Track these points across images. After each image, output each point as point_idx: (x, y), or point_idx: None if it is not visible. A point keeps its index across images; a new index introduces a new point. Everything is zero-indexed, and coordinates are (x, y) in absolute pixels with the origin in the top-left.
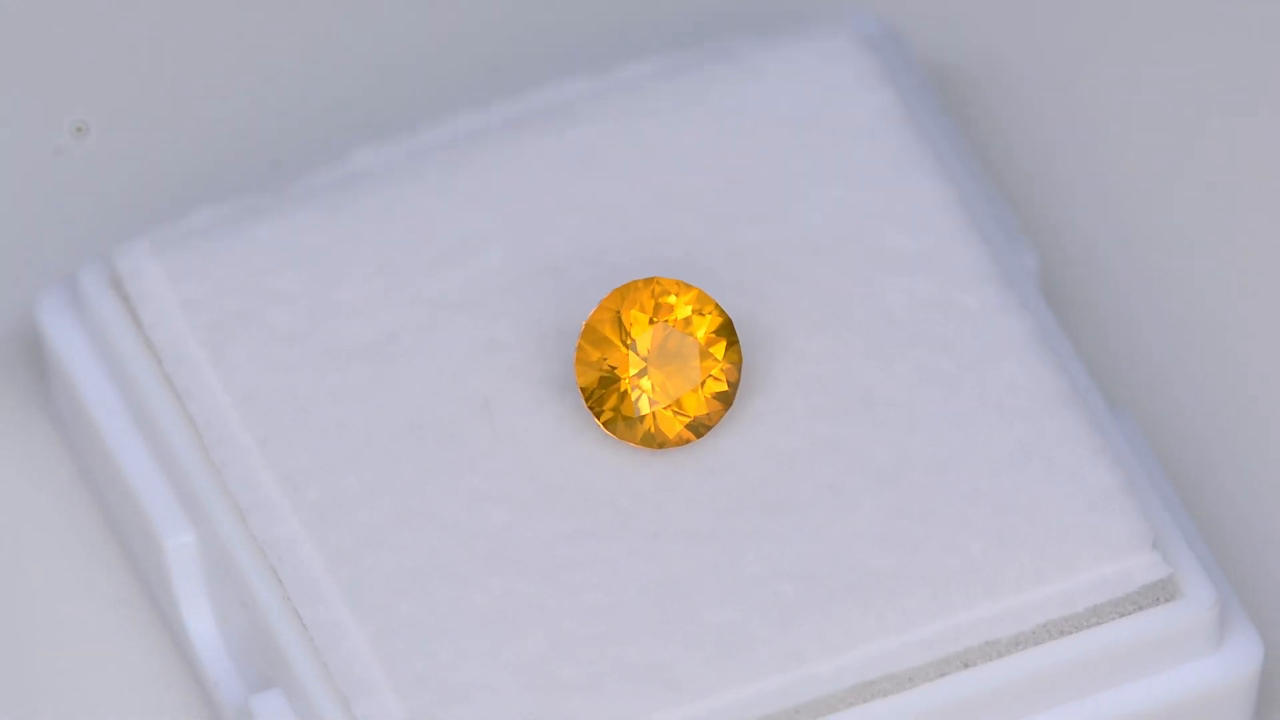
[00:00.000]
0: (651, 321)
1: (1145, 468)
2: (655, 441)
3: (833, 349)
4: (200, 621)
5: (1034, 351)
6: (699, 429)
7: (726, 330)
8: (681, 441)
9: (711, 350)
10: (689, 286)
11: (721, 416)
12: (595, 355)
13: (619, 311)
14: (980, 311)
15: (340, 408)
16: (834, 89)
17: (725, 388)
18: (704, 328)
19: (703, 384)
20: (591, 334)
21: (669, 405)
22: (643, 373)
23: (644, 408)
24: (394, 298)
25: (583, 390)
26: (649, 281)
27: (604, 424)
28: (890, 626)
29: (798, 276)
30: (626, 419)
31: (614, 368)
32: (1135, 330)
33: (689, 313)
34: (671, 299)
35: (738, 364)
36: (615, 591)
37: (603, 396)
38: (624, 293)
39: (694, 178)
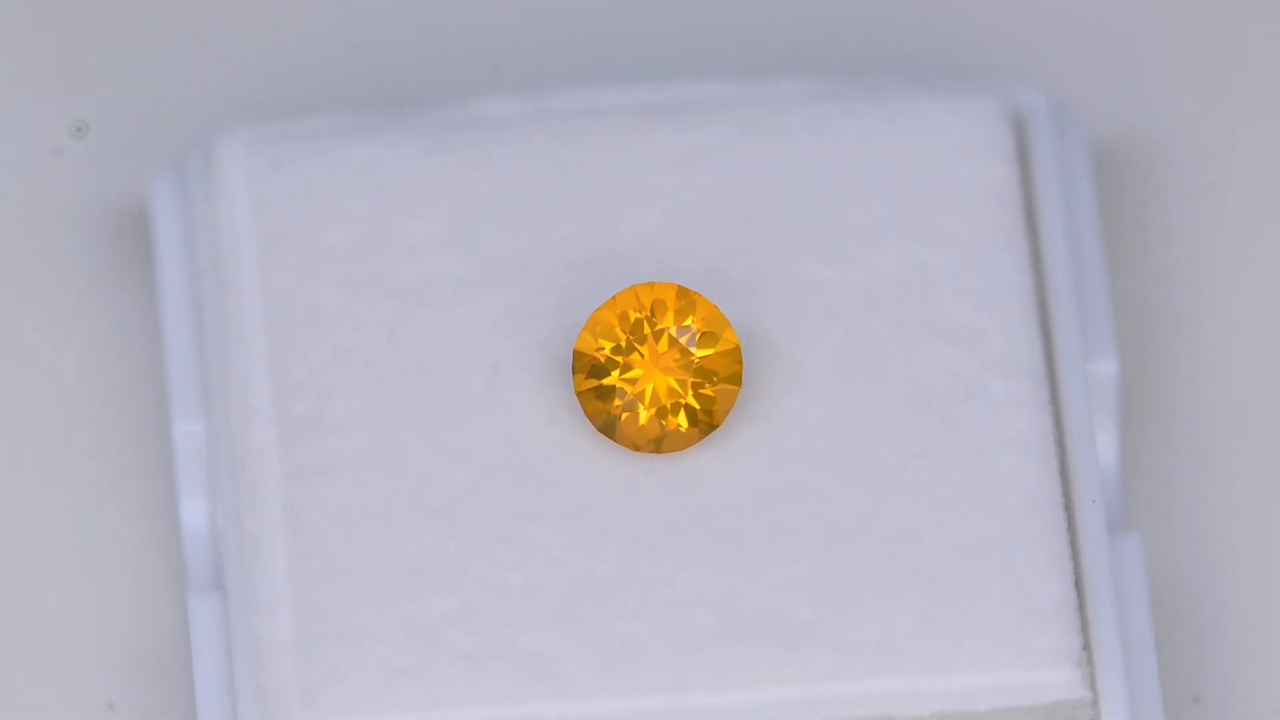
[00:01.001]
0: (654, 327)
1: (1121, 592)
2: (630, 443)
3: (848, 400)
4: (192, 513)
5: (1039, 452)
6: (675, 443)
7: (731, 356)
8: (657, 450)
9: (710, 369)
10: (708, 304)
11: (700, 437)
12: (593, 347)
13: (628, 310)
14: (1004, 400)
15: (357, 336)
16: (958, 152)
17: (712, 409)
18: (710, 348)
19: (688, 402)
20: (595, 326)
21: (653, 412)
22: (633, 375)
23: (625, 409)
24: (452, 246)
25: (576, 379)
26: (671, 287)
27: (589, 414)
28: (786, 678)
29: (844, 322)
30: (609, 416)
31: (608, 363)
32: (1212, 460)
33: (696, 327)
34: (682, 311)
35: (734, 390)
36: (538, 577)
37: (593, 390)
38: (640, 292)
39: (785, 202)
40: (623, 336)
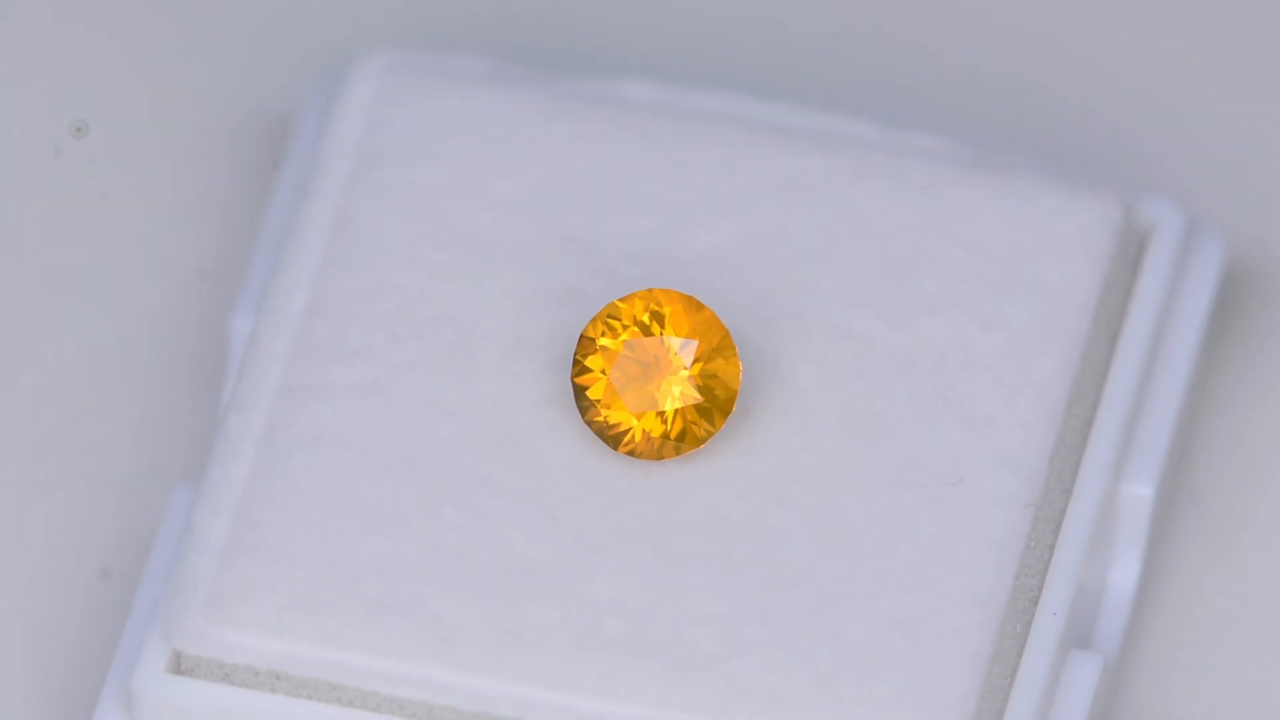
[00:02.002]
0: (650, 334)
1: (1057, 713)
2: (613, 444)
3: (840, 454)
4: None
5: (1002, 552)
6: (647, 453)
7: (726, 394)
8: (631, 454)
9: (703, 391)
10: (721, 328)
11: (675, 453)
12: (595, 341)
13: (635, 315)
14: (990, 494)
15: (402, 275)
16: (1049, 244)
17: (694, 429)
18: (714, 372)
19: (673, 417)
20: (597, 326)
21: (637, 417)
22: (623, 379)
23: (605, 409)
24: (529, 213)
25: (575, 365)
26: (685, 300)
27: (577, 403)
28: (670, 703)
29: (870, 378)
30: (595, 418)
31: (603, 365)
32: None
33: (692, 339)
34: (693, 327)
35: (721, 416)
36: (473, 546)
37: (585, 385)
38: (654, 297)
39: (864, 248)
40: (617, 339)
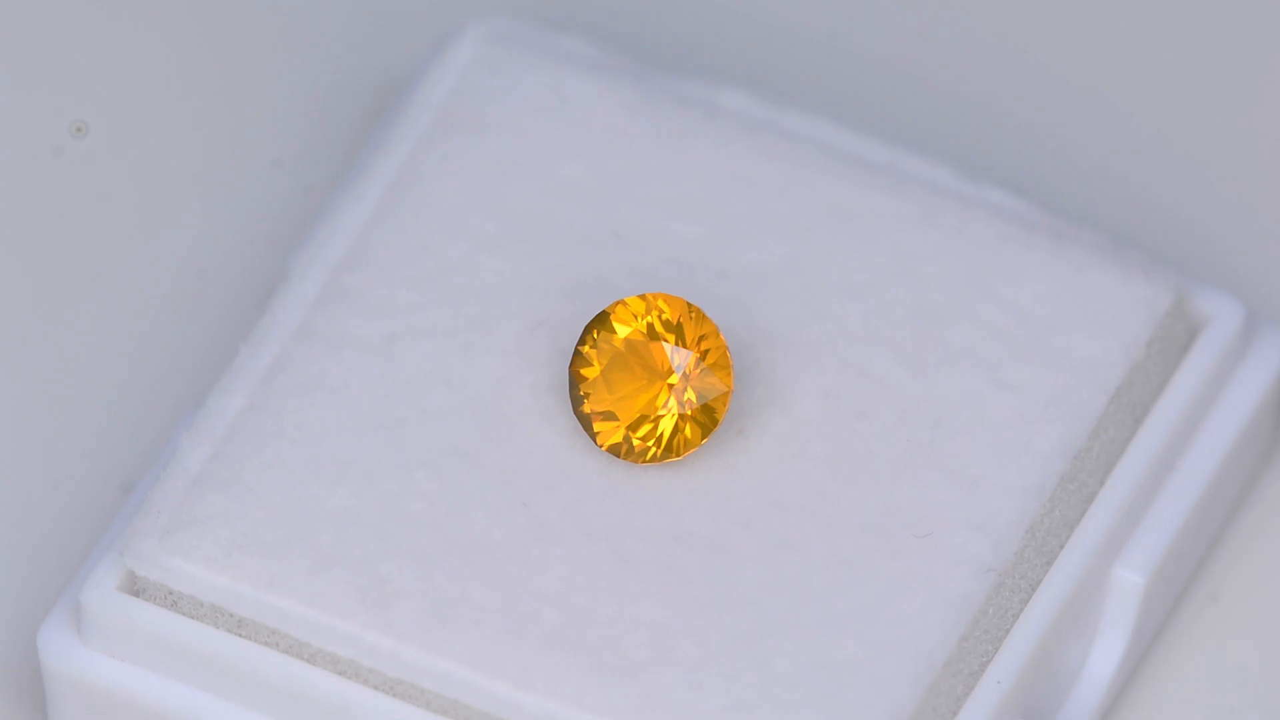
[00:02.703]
0: (653, 337)
1: None
2: (596, 440)
3: (816, 487)
4: None
5: (951, 612)
6: (628, 454)
7: (712, 411)
8: (614, 453)
9: (691, 404)
10: (721, 345)
11: (655, 461)
12: (598, 334)
13: (643, 315)
14: (954, 553)
15: (449, 242)
16: (1086, 319)
17: (674, 440)
18: (706, 388)
19: (656, 424)
20: (604, 320)
21: (621, 417)
22: (616, 377)
23: (593, 404)
24: (586, 202)
25: (575, 355)
26: (693, 311)
27: (571, 399)
28: (585, 702)
29: (871, 420)
30: (583, 410)
31: (600, 359)
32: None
33: (690, 350)
34: (699, 337)
35: (704, 432)
36: (436, 516)
37: (580, 377)
38: (665, 301)
39: (903, 291)
40: (644, 324)
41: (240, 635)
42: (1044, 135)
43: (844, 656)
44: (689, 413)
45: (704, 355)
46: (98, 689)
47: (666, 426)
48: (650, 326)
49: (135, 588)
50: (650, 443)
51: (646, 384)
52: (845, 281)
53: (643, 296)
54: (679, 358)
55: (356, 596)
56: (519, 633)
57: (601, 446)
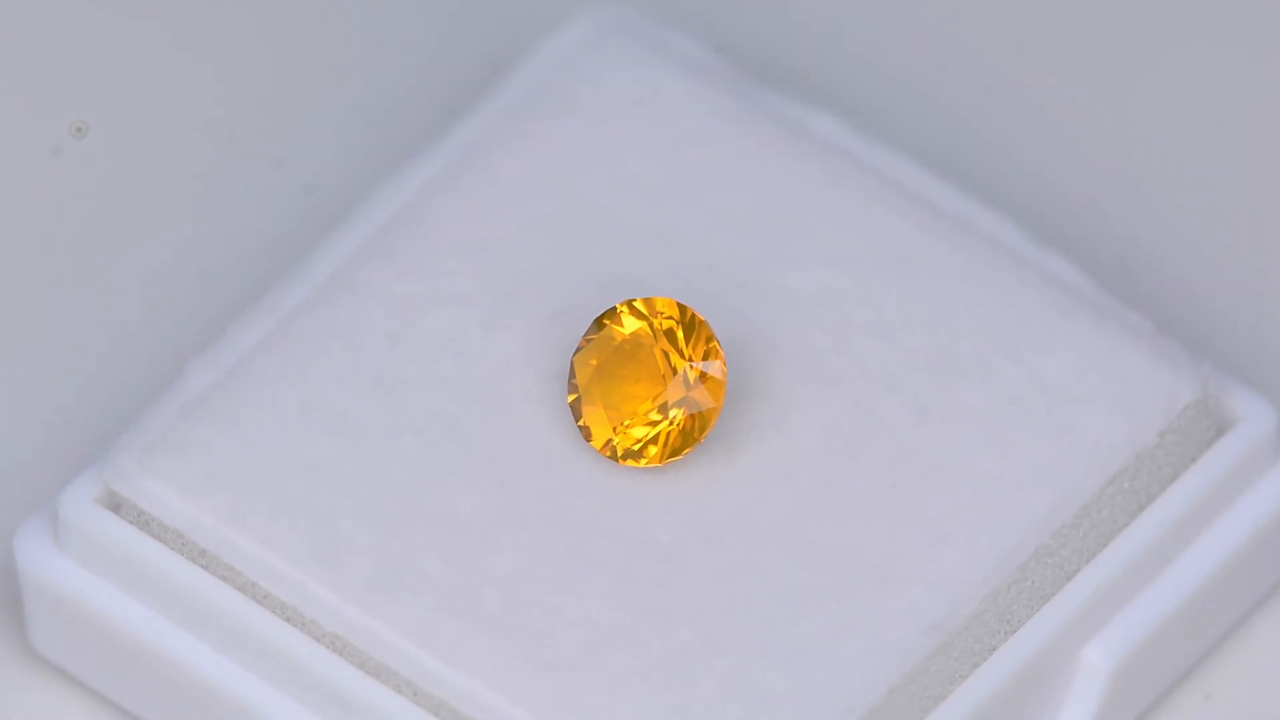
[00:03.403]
0: (657, 340)
1: None
2: (583, 436)
3: (793, 522)
4: None
5: (887, 663)
6: (606, 452)
7: (694, 427)
8: (609, 453)
9: (674, 418)
10: (720, 364)
11: (630, 464)
12: (605, 325)
13: (653, 317)
14: (910, 607)
15: (499, 215)
16: (1101, 399)
17: (649, 449)
18: (695, 402)
19: (632, 428)
20: (615, 314)
21: (605, 413)
22: (610, 374)
23: (582, 396)
24: (646, 200)
25: (580, 346)
26: (701, 325)
27: (568, 388)
28: (507, 689)
29: (863, 459)
30: (573, 401)
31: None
32: None
33: (689, 362)
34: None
35: (680, 449)
36: (412, 480)
37: (577, 367)
38: (678, 309)
39: (922, 336)
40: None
41: (200, 565)
42: (1120, 213)
43: (768, 688)
44: (675, 422)
45: (703, 369)
46: (66, 597)
47: (651, 432)
48: (655, 330)
49: (114, 503)
50: (633, 445)
51: (639, 386)
52: (877, 320)
53: (651, 300)
54: (674, 366)
55: (309, 546)
56: (458, 610)
57: (587, 440)
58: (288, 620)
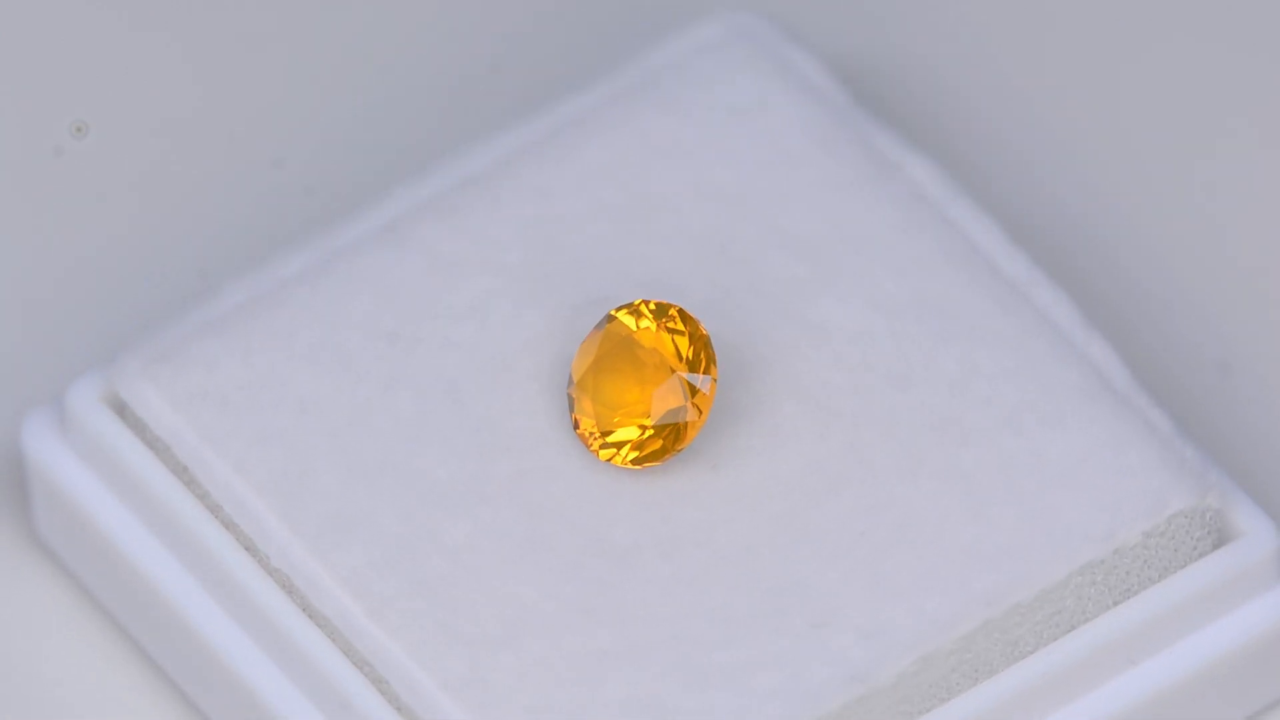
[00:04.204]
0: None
1: None
2: (575, 431)
3: (749, 552)
4: None
5: (794, 704)
6: (587, 443)
7: (668, 441)
8: (591, 447)
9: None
10: (712, 382)
11: (612, 462)
12: (615, 318)
13: (663, 319)
14: (832, 655)
15: (565, 197)
16: (1092, 491)
17: (616, 455)
18: (673, 418)
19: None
20: (634, 311)
21: (595, 414)
22: (605, 370)
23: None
24: (716, 212)
25: (588, 337)
26: (699, 337)
27: (567, 384)
28: (418, 655)
29: (841, 502)
30: (569, 391)
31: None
32: None
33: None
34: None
35: (663, 453)
36: (396, 433)
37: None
38: (690, 322)
39: (938, 394)
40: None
41: (180, 479)
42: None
43: (672, 705)
44: (654, 430)
45: (691, 382)
46: (62, 490)
47: (630, 435)
48: (656, 334)
49: (119, 404)
50: (611, 443)
51: (628, 386)
52: (900, 369)
53: (664, 304)
54: (667, 373)
55: (276, 480)
56: (398, 569)
57: (574, 430)
58: (248, 550)
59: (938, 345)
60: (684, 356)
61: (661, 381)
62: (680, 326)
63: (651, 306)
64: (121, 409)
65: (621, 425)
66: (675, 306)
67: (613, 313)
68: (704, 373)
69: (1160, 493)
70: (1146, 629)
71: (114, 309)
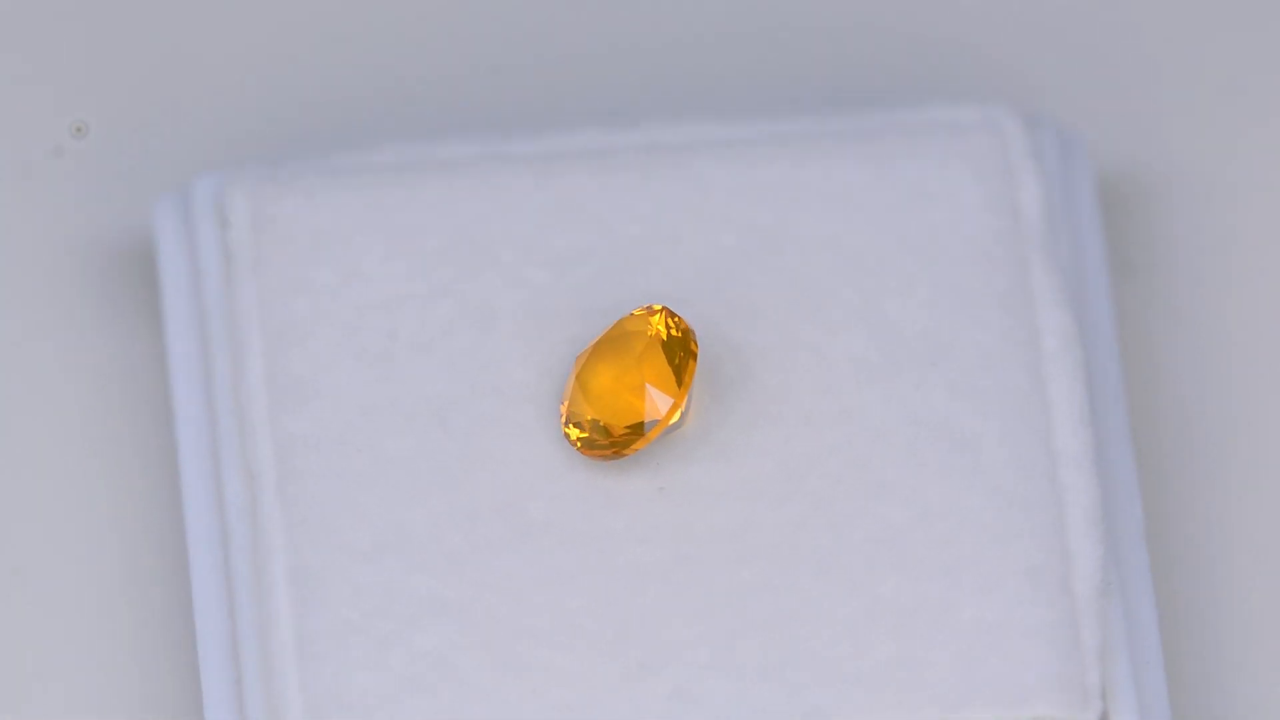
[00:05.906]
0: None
1: None
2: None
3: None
4: None
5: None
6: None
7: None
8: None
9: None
10: (689, 380)
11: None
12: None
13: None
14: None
15: (601, 192)
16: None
17: (578, 446)
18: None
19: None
20: (648, 316)
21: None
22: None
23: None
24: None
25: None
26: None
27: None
28: (357, 604)
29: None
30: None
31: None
32: None
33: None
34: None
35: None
36: (396, 409)
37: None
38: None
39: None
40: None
41: (226, 301)
42: None
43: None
44: (603, 423)
45: (648, 387)
46: (180, 271)
47: (578, 433)
48: (650, 337)
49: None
50: (575, 429)
51: (608, 381)
52: (888, 479)
53: (685, 321)
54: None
55: (293, 366)
56: (363, 515)
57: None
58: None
59: (951, 450)
60: (657, 360)
61: (639, 384)
62: (679, 340)
63: (651, 310)
64: (224, 210)
65: (590, 416)
66: (683, 323)
67: (631, 315)
68: (672, 383)
69: (1031, 691)
70: None
71: (312, 128)
